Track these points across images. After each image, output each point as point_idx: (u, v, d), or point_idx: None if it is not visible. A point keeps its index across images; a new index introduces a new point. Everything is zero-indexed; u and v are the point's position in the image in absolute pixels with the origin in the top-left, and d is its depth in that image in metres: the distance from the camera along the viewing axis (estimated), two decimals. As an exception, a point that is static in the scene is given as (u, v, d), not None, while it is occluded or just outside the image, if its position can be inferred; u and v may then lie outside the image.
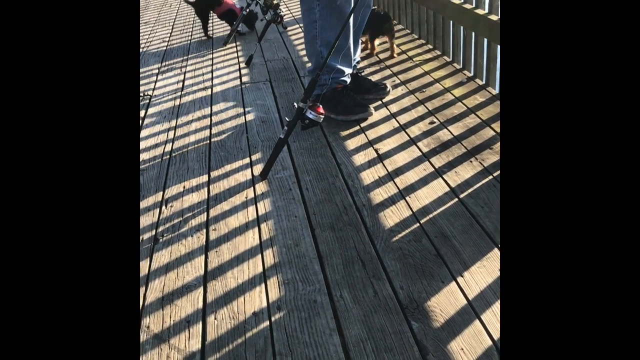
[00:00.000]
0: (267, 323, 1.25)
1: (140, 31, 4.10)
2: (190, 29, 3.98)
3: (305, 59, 3.02)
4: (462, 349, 1.13)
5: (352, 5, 2.08)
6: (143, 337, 1.26)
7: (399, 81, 2.53)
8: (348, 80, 2.23)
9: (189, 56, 3.31)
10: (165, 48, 3.55)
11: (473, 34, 2.45)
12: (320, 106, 1.83)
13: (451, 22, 2.66)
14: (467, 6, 2.44)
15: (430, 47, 2.92)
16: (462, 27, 2.56)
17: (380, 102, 2.32)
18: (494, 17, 2.25)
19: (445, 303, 1.25)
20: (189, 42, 3.65)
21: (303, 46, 3.22)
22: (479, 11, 2.35)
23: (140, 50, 3.58)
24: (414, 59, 2.79)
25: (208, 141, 2.16)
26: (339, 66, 2.15)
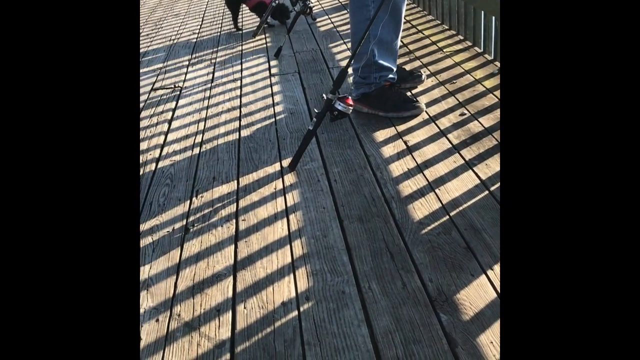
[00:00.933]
0: (295, 313, 1.26)
1: (171, 23, 4.15)
2: (220, 21, 4.01)
3: (335, 50, 3.01)
4: (492, 342, 1.12)
5: (405, 1, 2.06)
6: (174, 324, 1.28)
7: (429, 72, 2.50)
8: (395, 77, 2.17)
9: (219, 48, 3.33)
10: (195, 40, 3.58)
11: (505, 24, 2.41)
12: (349, 97, 1.82)
13: (482, 12, 2.62)
14: (500, -4, 2.40)
15: (461, 37, 2.89)
16: (493, 17, 2.52)
17: (409, 94, 2.30)
18: (527, 7, 2.20)
19: (474, 296, 1.24)
20: (218, 34, 3.68)
21: (332, 37, 3.22)
22: (512, 1, 2.31)
23: (171, 42, 3.62)
24: (444, 50, 2.76)
25: (237, 133, 2.18)
26: (388, 64, 2.10)
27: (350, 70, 2.05)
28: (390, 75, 2.12)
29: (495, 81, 2.32)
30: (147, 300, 1.36)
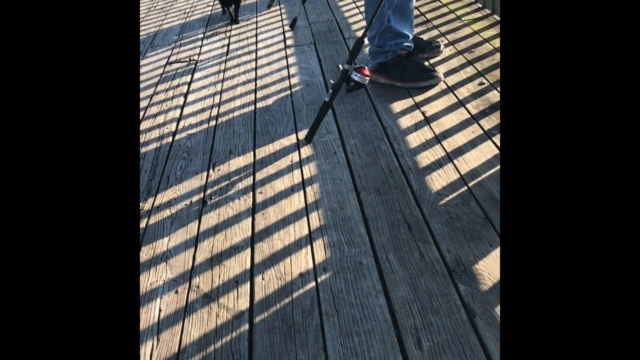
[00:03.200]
0: (313, 284, 1.27)
1: (185, -4, 4.11)
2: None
3: (350, 20, 2.96)
4: (511, 312, 1.12)
5: None
6: (193, 296, 1.29)
7: (447, 41, 2.45)
8: (412, 45, 2.12)
9: (233, 18, 3.30)
10: (210, 13, 3.55)
11: (526, -10, 2.35)
12: (366, 68, 1.79)
13: (502, -22, 2.55)
14: (520, -39, 2.33)
15: (480, 5, 2.82)
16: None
17: (427, 64, 2.26)
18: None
19: (493, 266, 1.23)
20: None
21: (348, 7, 3.17)
22: (533, -35, 2.24)
23: (185, 15, 3.59)
24: (463, 19, 2.70)
25: (253, 105, 2.17)
26: (404, 31, 2.05)
27: (366, 41, 2.01)
28: (407, 43, 2.08)
29: (515, 49, 2.27)
30: (166, 272, 1.38)
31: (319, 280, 1.28)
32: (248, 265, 1.36)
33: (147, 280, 1.36)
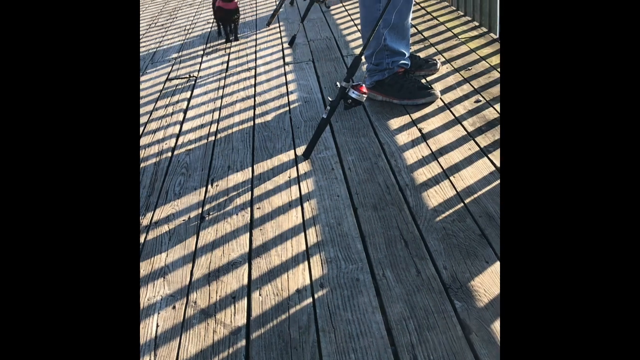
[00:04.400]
0: (310, 300, 1.27)
1: (185, 13, 4.15)
2: (234, 10, 4.00)
3: (349, 38, 3.00)
4: (506, 329, 1.12)
5: None
6: (190, 312, 1.30)
7: (444, 59, 2.48)
8: (409, 63, 2.15)
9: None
10: (210, 30, 3.58)
11: (521, 9, 2.38)
12: (363, 85, 1.81)
13: (498, -3, 2.59)
14: (516, -20, 2.37)
15: (477, 24, 2.85)
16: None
17: (424, 81, 2.28)
18: (544, -9, 2.17)
19: (489, 283, 1.24)
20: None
21: (346, 25, 3.21)
22: (528, -15, 2.28)
23: (185, 32, 3.63)
24: (460, 37, 2.73)
25: (252, 121, 2.19)
26: (400, 49, 2.08)
27: (363, 59, 2.04)
28: (403, 61, 2.10)
29: (511, 67, 2.29)
30: (163, 288, 1.38)
31: (315, 296, 1.28)
32: (245, 281, 1.36)
33: (145, 296, 1.37)
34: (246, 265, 1.41)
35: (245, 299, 1.31)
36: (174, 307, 1.32)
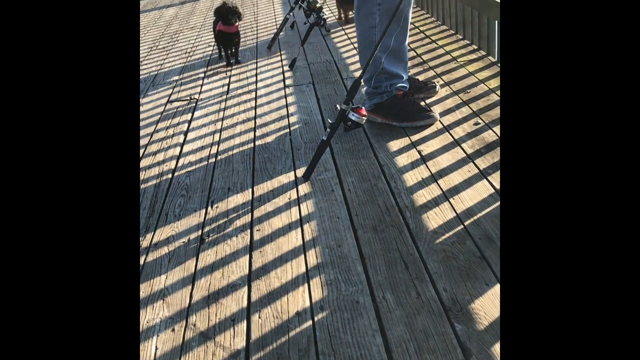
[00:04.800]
0: (310, 323, 1.27)
1: (187, 36, 4.20)
2: (235, 34, 4.05)
3: (348, 61, 3.03)
4: (507, 352, 1.11)
5: (411, 7, 2.07)
6: (189, 334, 1.29)
7: (443, 82, 2.51)
8: (407, 85, 2.17)
9: (234, 60, 3.36)
10: (210, 53, 3.62)
11: (519, 33, 2.41)
12: (363, 108, 1.83)
13: (496, 21, 2.62)
14: (513, 5, 2.40)
15: (475, 47, 2.89)
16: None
17: (423, 104, 2.30)
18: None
19: (489, 305, 1.24)
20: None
21: (346, 49, 3.24)
22: (525, 10, 2.31)
23: (187, 55, 3.67)
24: (458, 60, 2.76)
25: (252, 143, 2.20)
26: (398, 72, 2.10)
27: (362, 82, 2.06)
28: (401, 84, 2.12)
29: (509, 90, 2.31)
30: (163, 310, 1.38)
31: (315, 319, 1.28)
32: (245, 304, 1.36)
33: (144, 318, 1.36)
34: (246, 288, 1.41)
35: (245, 321, 1.30)
36: (173, 330, 1.31)
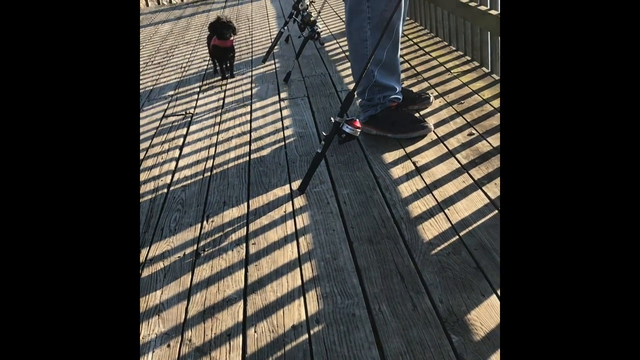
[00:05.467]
0: (306, 336, 1.26)
1: (182, 51, 4.22)
2: (230, 48, 4.07)
3: (343, 73, 3.04)
4: (504, 363, 1.11)
5: (402, 21, 2.08)
6: (185, 350, 1.28)
7: (437, 93, 2.52)
8: (401, 97, 2.17)
9: (229, 74, 3.38)
10: (206, 67, 3.63)
11: (511, 43, 2.42)
12: (357, 120, 1.84)
13: (488, 32, 2.64)
14: (505, 16, 2.42)
15: (468, 58, 2.90)
16: (499, 37, 2.54)
17: (417, 115, 2.31)
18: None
19: (485, 316, 1.23)
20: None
21: (340, 61, 3.26)
22: (517, 21, 2.33)
23: (182, 70, 3.68)
24: (452, 71, 2.78)
25: (247, 157, 2.20)
26: (391, 84, 2.11)
27: (356, 94, 2.07)
28: (395, 95, 2.13)
29: (503, 100, 2.32)
30: (158, 326, 1.37)
31: (311, 332, 1.27)
32: (240, 318, 1.35)
33: (140, 334, 1.35)
34: (241, 302, 1.40)
35: (241, 336, 1.30)
36: (168, 346, 1.30)
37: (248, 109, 2.74)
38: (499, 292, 1.29)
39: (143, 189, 2.09)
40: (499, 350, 1.14)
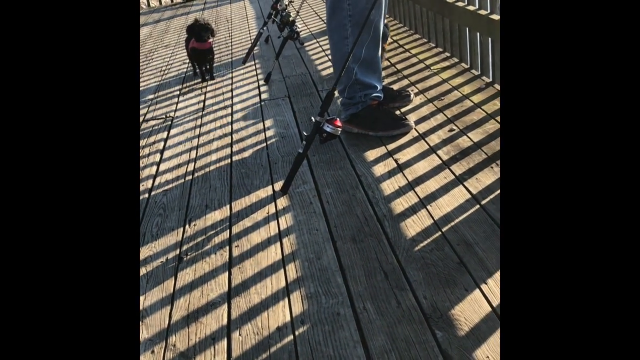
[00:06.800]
0: (291, 337, 1.26)
1: (161, 54, 4.19)
2: (210, 50, 4.04)
3: (324, 73, 3.04)
4: (488, 356, 1.11)
5: (382, 18, 2.08)
6: (169, 355, 1.27)
7: (417, 90, 2.52)
8: (382, 95, 2.17)
9: (209, 76, 3.36)
10: (185, 70, 3.61)
11: (489, 39, 2.44)
12: (338, 119, 1.83)
13: (467, 28, 2.66)
14: (482, 12, 2.44)
15: (448, 54, 2.92)
16: (478, 34, 2.55)
17: (398, 112, 2.32)
18: (510, 21, 2.23)
19: (469, 311, 1.24)
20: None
21: (321, 61, 3.25)
22: (494, 16, 2.34)
23: (162, 73, 3.65)
24: (432, 68, 2.79)
25: (229, 159, 2.19)
26: (372, 82, 2.11)
27: (337, 93, 2.06)
28: (376, 94, 2.13)
29: (482, 96, 2.34)
30: (142, 332, 1.35)
31: (296, 333, 1.27)
32: (225, 321, 1.34)
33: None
34: (225, 305, 1.39)
35: (225, 339, 1.29)
36: (152, 352, 1.29)
37: (229, 110, 2.73)
38: (482, 287, 1.30)
39: (124, 194, 2.07)
40: (499, 348, 1.15)
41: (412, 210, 1.64)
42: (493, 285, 1.29)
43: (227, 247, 1.62)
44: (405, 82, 2.67)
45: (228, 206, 1.85)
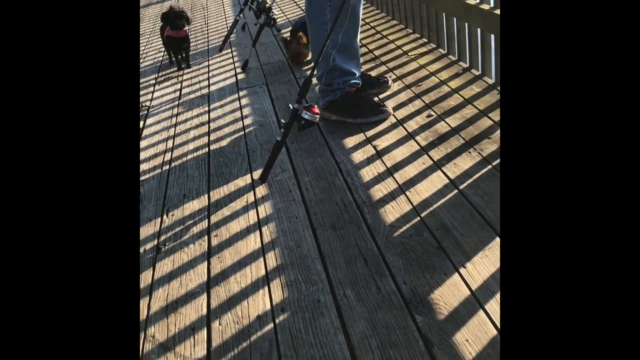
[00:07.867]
0: (271, 326, 1.25)
1: (137, 43, 4.12)
2: (186, 38, 3.99)
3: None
4: (467, 340, 1.12)
5: (361, 3, 2.07)
6: (148, 346, 1.26)
7: (395, 76, 2.52)
8: (360, 82, 2.16)
9: (185, 65, 3.31)
10: (161, 58, 3.56)
11: (466, 24, 2.44)
12: (316, 106, 1.82)
13: (444, 14, 2.66)
14: (459, -3, 2.44)
15: (425, 40, 2.92)
16: (455, 19, 2.55)
17: (376, 99, 2.31)
18: (486, 7, 2.24)
19: (448, 295, 1.24)
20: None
21: (298, 48, 3.22)
22: (471, 1, 2.34)
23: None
24: (409, 54, 2.78)
25: (207, 148, 2.17)
26: (350, 68, 2.10)
27: (315, 80, 2.05)
28: (354, 80, 2.12)
29: (460, 81, 2.34)
30: (120, 324, 1.34)
31: (277, 321, 1.26)
32: (204, 311, 1.33)
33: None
34: (205, 295, 1.38)
35: (205, 329, 1.28)
36: (131, 344, 1.27)
37: (206, 99, 2.70)
38: (461, 271, 1.30)
39: (100, 185, 2.04)
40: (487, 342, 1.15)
41: (391, 197, 1.64)
42: (472, 269, 1.30)
43: (206, 237, 1.61)
44: (383, 68, 2.66)
45: (206, 195, 1.83)
